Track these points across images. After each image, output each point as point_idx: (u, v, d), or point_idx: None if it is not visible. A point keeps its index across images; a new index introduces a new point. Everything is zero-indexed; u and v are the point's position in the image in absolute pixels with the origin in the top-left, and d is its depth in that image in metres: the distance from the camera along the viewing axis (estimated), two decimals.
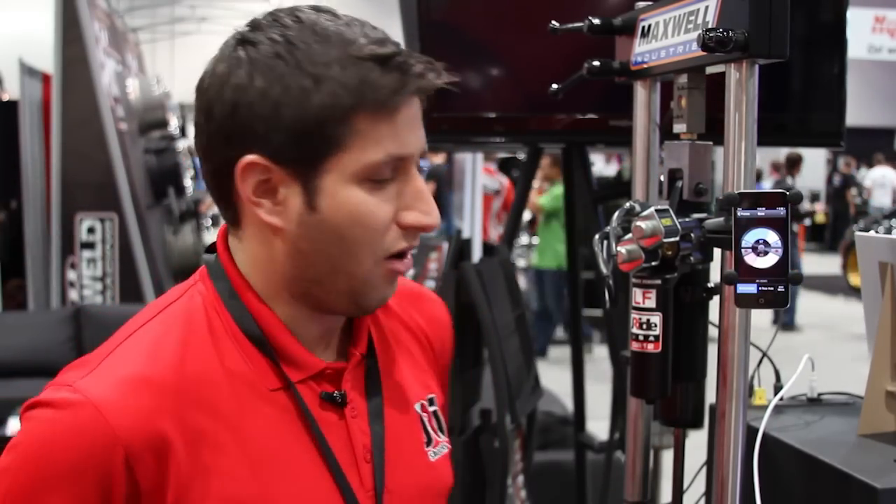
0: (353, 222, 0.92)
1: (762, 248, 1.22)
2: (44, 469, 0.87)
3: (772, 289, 1.21)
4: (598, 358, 6.93)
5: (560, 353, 7.40)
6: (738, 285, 1.22)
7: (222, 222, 1.01)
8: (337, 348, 1.03)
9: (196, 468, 0.90)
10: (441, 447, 1.09)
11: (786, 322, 8.84)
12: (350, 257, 0.93)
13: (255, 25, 0.94)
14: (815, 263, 13.23)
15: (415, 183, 0.94)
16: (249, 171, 0.92)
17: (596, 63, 1.61)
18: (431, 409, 1.11)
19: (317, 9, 0.95)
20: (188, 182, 7.20)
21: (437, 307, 1.19)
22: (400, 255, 0.96)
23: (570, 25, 1.66)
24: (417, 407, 1.09)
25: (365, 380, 1.03)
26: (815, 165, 16.57)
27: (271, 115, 0.89)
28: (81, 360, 0.94)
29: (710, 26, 1.34)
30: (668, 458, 1.79)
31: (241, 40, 0.93)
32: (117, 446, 0.87)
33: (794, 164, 9.24)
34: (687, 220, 1.38)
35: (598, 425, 3.34)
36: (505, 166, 9.24)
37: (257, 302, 0.97)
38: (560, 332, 8.50)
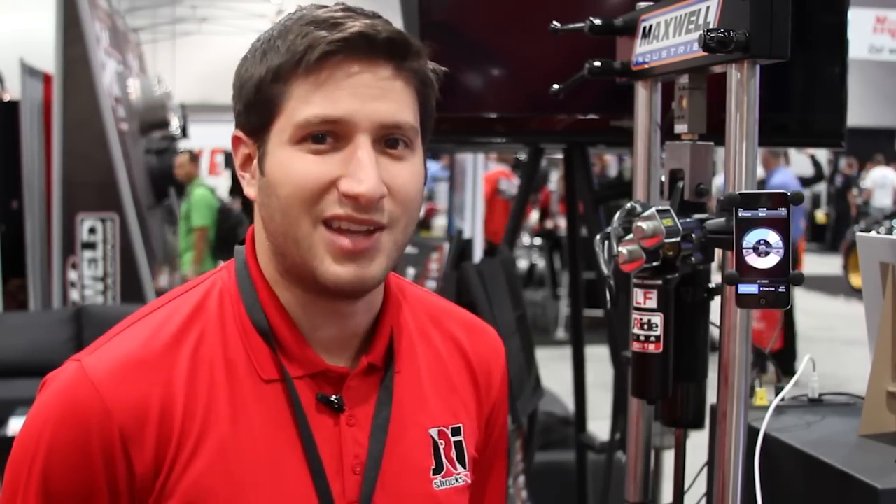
0: (284, 181, 0.93)
1: (763, 248, 1.22)
2: (52, 440, 0.91)
3: (773, 289, 1.21)
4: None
5: (560, 353, 7.40)
6: (740, 286, 1.22)
7: None
8: (354, 357, 1.02)
9: (181, 452, 0.92)
10: (454, 479, 1.05)
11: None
12: (289, 219, 0.93)
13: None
14: (816, 264, 13.21)
15: (357, 152, 0.92)
16: (235, 146, 1.00)
17: (597, 63, 1.61)
18: (454, 438, 1.07)
19: (342, 6, 0.96)
20: None
21: (492, 339, 1.16)
22: (340, 227, 0.93)
23: (571, 26, 1.66)
24: (434, 432, 1.05)
25: (378, 392, 1.01)
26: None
27: (236, 90, 0.98)
28: (101, 337, 0.98)
29: (711, 27, 1.34)
30: (669, 458, 1.79)
31: None
32: (113, 425, 0.90)
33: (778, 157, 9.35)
34: (688, 220, 1.38)
35: (599, 425, 3.34)
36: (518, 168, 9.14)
37: (266, 290, 0.99)
38: (561, 333, 8.49)
